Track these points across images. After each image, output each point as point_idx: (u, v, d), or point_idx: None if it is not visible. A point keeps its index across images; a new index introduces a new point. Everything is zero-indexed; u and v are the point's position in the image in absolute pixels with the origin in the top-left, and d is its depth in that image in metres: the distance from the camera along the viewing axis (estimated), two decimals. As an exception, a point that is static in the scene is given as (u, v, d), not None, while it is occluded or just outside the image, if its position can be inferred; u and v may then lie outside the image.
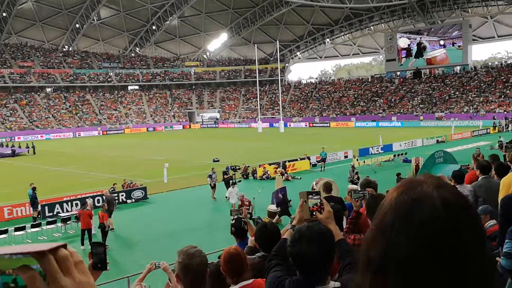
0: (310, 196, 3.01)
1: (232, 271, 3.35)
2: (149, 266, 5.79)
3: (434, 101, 78.57)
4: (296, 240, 2.41)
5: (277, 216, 18.27)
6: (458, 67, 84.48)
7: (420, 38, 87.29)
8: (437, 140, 44.98)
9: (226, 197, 22.30)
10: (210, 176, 24.45)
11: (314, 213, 3.05)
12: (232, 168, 28.71)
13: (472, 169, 8.52)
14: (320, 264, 2.40)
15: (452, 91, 79.29)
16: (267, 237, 3.95)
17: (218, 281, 3.56)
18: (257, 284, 3.29)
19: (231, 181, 25.81)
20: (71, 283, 0.80)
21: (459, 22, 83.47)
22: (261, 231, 4.00)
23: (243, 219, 5.21)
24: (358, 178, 23.31)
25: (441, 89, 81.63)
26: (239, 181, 29.14)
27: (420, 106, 79.12)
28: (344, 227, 4.49)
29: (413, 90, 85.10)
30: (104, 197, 20.37)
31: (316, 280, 2.43)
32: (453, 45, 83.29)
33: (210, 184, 24.42)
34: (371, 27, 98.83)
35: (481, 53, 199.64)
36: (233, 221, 5.21)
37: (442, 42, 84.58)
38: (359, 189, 5.64)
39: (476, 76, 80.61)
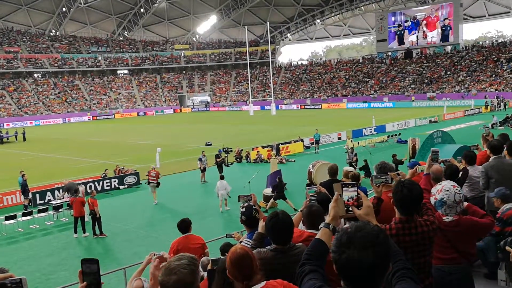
0: (345, 188, 2.54)
1: (241, 275, 2.93)
2: (148, 257, 5.48)
3: (426, 80, 78.45)
4: (343, 245, 1.89)
5: (271, 200, 18.04)
6: (449, 47, 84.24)
7: (411, 17, 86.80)
8: (430, 120, 44.89)
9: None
10: (200, 160, 24.16)
11: (350, 209, 2.60)
12: (224, 150, 28.43)
13: (481, 149, 8.26)
14: (375, 275, 1.88)
15: (443, 71, 79.16)
16: (279, 228, 3.61)
17: (227, 280, 3.23)
18: (270, 287, 2.91)
19: (223, 165, 25.54)
20: None
21: (450, 0, 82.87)
22: (272, 222, 3.62)
23: (254, 207, 4.82)
24: (356, 160, 23.09)
25: (432, 69, 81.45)
26: (232, 163, 28.93)
27: (412, 86, 78.97)
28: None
29: (404, 71, 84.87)
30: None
31: None
32: (443, 25, 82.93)
33: (200, 168, 24.15)
34: (362, 7, 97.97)
35: (471, 32, 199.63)
36: (243, 209, 4.80)
37: (432, 21, 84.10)
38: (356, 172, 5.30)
39: (467, 56, 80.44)
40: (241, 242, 4.74)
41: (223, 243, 6.69)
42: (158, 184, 20.29)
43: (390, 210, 3.85)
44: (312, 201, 4.65)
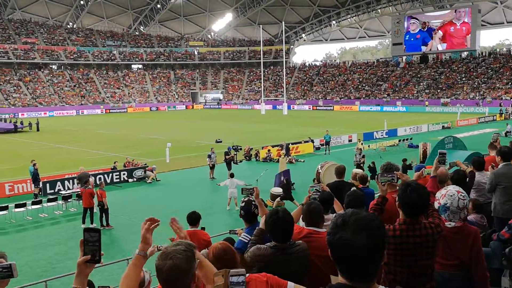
0: None
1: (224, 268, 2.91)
2: (151, 249, 5.51)
3: (441, 86, 77.75)
4: (338, 227, 1.92)
5: (278, 199, 17.96)
6: (465, 53, 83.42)
7: (428, 22, 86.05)
8: (443, 126, 44.51)
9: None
10: (209, 156, 24.24)
11: None
12: (233, 147, 28.45)
13: (487, 155, 8.19)
14: (366, 260, 1.89)
15: (459, 77, 78.41)
16: (279, 226, 3.59)
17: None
18: (254, 278, 2.86)
19: (232, 162, 25.56)
20: None
21: (468, 6, 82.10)
22: (272, 220, 3.60)
23: (253, 203, 4.81)
24: (364, 162, 22.97)
25: (447, 74, 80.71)
26: (241, 161, 28.93)
27: (426, 91, 78.33)
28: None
29: (419, 75, 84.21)
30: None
31: (360, 282, 1.94)
32: (461, 30, 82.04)
33: (209, 165, 24.23)
34: (379, 10, 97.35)
35: (488, 39, 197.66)
36: (243, 204, 4.81)
37: (450, 27, 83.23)
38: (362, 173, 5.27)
39: (483, 62, 79.59)
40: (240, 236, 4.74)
41: (225, 238, 6.71)
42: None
43: (393, 210, 3.81)
44: (315, 196, 4.63)
